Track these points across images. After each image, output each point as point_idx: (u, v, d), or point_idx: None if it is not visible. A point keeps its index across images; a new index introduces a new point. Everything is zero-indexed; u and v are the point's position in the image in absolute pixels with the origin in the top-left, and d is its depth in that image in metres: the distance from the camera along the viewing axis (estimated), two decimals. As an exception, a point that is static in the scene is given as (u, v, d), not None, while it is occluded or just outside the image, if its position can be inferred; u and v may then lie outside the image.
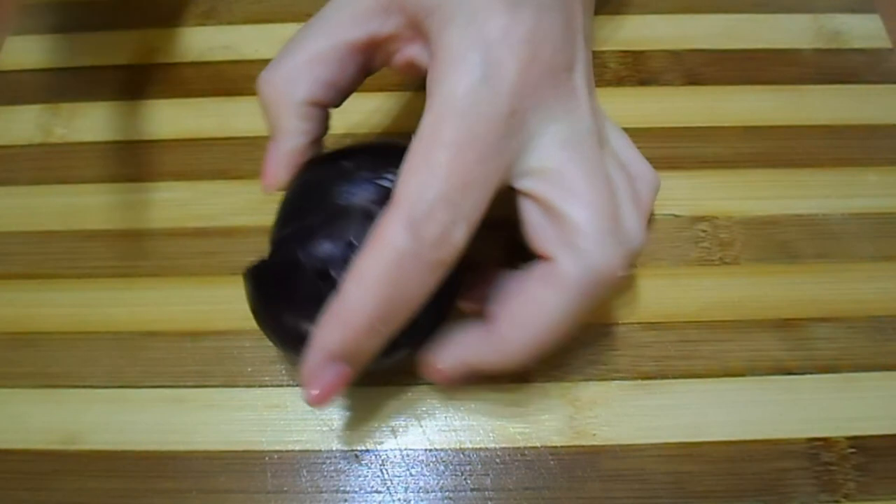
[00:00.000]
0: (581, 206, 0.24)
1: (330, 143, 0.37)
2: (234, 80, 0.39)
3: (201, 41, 0.40)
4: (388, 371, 0.31)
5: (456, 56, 0.24)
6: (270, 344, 0.28)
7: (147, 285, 0.30)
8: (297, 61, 0.27)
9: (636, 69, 0.39)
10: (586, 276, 0.24)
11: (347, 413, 0.30)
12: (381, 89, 0.39)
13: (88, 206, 0.35)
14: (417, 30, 0.26)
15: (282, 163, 0.28)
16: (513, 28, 0.24)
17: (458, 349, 0.27)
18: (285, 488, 0.29)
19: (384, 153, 0.28)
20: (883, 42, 0.40)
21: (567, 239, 0.24)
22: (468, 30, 0.24)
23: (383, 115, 0.38)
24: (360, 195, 0.26)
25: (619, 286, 0.26)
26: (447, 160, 0.23)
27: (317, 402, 0.25)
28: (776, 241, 0.34)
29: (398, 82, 0.39)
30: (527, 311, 0.25)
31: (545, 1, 0.25)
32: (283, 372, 0.31)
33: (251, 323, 0.28)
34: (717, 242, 0.34)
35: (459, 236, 0.23)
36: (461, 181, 0.23)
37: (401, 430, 0.30)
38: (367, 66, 0.28)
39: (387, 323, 0.24)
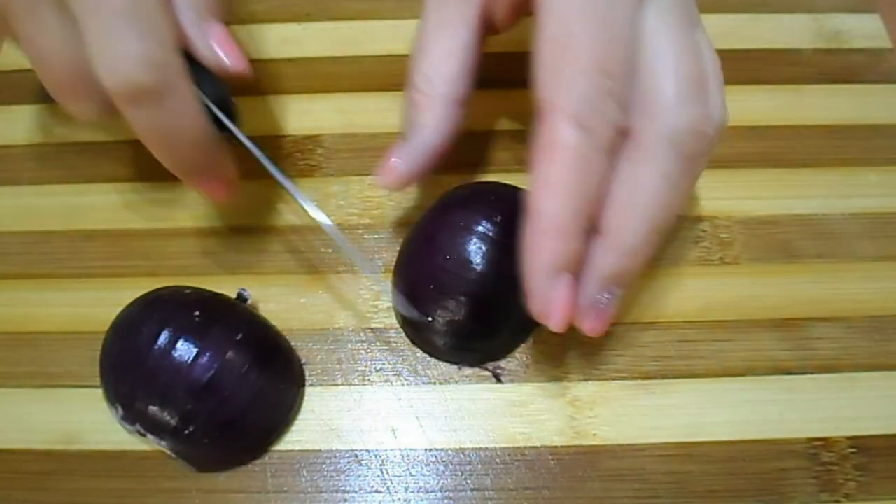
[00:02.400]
0: (663, 72, 0.25)
1: (330, 143, 0.37)
2: (234, 80, 0.39)
3: (201, 41, 0.40)
4: (392, 371, 0.31)
5: None
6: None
7: (147, 285, 0.30)
8: (436, 56, 0.28)
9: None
10: (669, 139, 0.24)
11: (347, 413, 0.30)
12: (381, 89, 0.39)
13: (88, 206, 0.35)
14: None
15: (412, 159, 0.29)
16: None
17: (588, 275, 0.26)
18: (285, 488, 0.29)
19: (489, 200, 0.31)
20: (883, 42, 0.40)
21: (644, 107, 0.25)
22: None
23: (383, 115, 0.38)
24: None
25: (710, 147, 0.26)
26: (587, 46, 0.24)
27: (560, 324, 0.25)
28: (776, 241, 0.34)
29: (398, 83, 0.39)
30: (626, 194, 0.25)
31: None
32: (283, 372, 0.31)
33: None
34: (717, 242, 0.34)
35: (619, 116, 0.24)
36: (606, 67, 0.24)
37: (401, 430, 0.30)
38: (483, 41, 0.29)
39: (586, 216, 0.25)
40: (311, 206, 0.28)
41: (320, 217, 0.28)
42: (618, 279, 0.26)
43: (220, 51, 0.28)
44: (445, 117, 0.29)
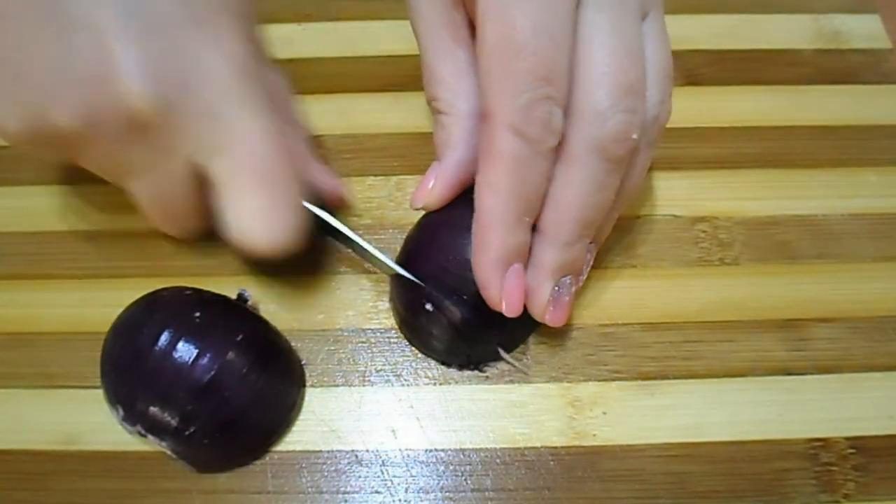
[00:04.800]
0: (588, 80, 0.25)
1: (330, 143, 0.37)
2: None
3: (201, 41, 0.40)
4: (392, 371, 0.31)
5: None
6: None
7: (147, 285, 0.30)
8: (446, 80, 0.30)
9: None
10: (592, 147, 0.26)
11: (347, 413, 0.30)
12: (381, 89, 0.39)
13: (88, 206, 0.35)
14: None
15: (447, 178, 0.30)
16: None
17: (534, 271, 0.28)
18: (286, 488, 0.29)
19: None
20: (883, 42, 0.40)
21: (572, 113, 0.26)
22: None
23: (383, 115, 0.38)
24: None
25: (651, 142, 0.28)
26: (525, 55, 0.24)
27: (513, 310, 0.27)
28: (776, 241, 0.34)
29: (398, 83, 0.39)
30: (557, 194, 0.27)
31: None
32: (284, 372, 0.31)
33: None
34: (717, 243, 0.34)
35: (559, 120, 0.25)
36: (544, 75, 0.25)
37: (401, 430, 0.30)
38: None
39: (528, 213, 0.27)
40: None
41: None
42: (561, 271, 0.28)
43: (336, 187, 0.32)
44: (471, 132, 0.29)
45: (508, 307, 0.27)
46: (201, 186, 0.29)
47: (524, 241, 0.27)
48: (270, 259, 0.28)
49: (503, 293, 0.27)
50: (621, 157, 0.26)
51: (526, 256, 0.28)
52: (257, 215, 0.27)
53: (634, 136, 0.26)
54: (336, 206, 0.33)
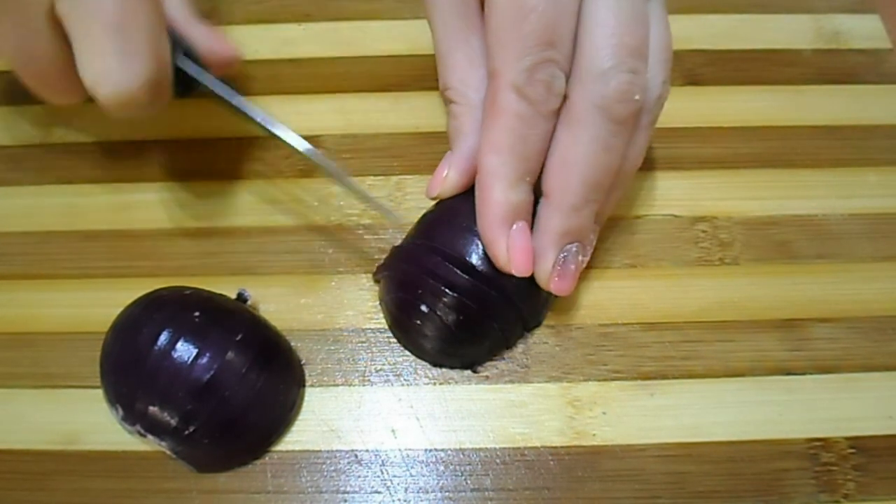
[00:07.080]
0: (595, 40, 0.26)
1: (330, 143, 0.37)
2: (234, 80, 0.39)
3: (201, 41, 0.40)
4: (392, 371, 0.31)
5: None
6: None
7: (147, 285, 0.30)
8: (459, 68, 0.30)
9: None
10: (596, 104, 0.26)
11: (347, 413, 0.30)
12: (381, 89, 0.39)
13: (88, 206, 0.35)
14: None
15: (461, 167, 0.30)
16: None
17: (540, 236, 0.28)
18: (285, 488, 0.29)
19: None
20: (883, 42, 0.40)
21: (577, 73, 0.26)
22: None
23: (383, 115, 0.38)
24: None
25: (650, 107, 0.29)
26: (532, 19, 0.25)
27: (521, 268, 0.28)
28: (776, 241, 0.34)
29: (398, 83, 0.39)
30: (563, 155, 0.27)
31: None
32: (283, 372, 0.31)
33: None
34: (716, 243, 0.34)
35: (561, 83, 0.26)
36: (548, 39, 0.26)
37: (400, 429, 0.30)
38: None
39: (528, 173, 0.27)
40: (290, 134, 0.30)
41: (304, 145, 0.30)
42: (568, 236, 0.28)
43: (212, 42, 0.31)
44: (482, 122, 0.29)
45: (515, 265, 0.28)
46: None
47: (526, 199, 0.28)
48: (131, 114, 0.28)
49: (509, 251, 0.27)
50: (625, 117, 0.27)
51: (529, 216, 0.28)
52: (105, 64, 0.26)
53: (637, 97, 0.26)
54: (220, 65, 0.32)
